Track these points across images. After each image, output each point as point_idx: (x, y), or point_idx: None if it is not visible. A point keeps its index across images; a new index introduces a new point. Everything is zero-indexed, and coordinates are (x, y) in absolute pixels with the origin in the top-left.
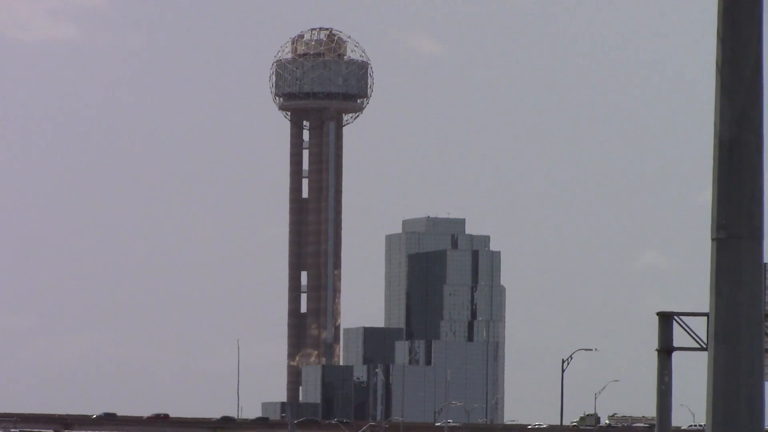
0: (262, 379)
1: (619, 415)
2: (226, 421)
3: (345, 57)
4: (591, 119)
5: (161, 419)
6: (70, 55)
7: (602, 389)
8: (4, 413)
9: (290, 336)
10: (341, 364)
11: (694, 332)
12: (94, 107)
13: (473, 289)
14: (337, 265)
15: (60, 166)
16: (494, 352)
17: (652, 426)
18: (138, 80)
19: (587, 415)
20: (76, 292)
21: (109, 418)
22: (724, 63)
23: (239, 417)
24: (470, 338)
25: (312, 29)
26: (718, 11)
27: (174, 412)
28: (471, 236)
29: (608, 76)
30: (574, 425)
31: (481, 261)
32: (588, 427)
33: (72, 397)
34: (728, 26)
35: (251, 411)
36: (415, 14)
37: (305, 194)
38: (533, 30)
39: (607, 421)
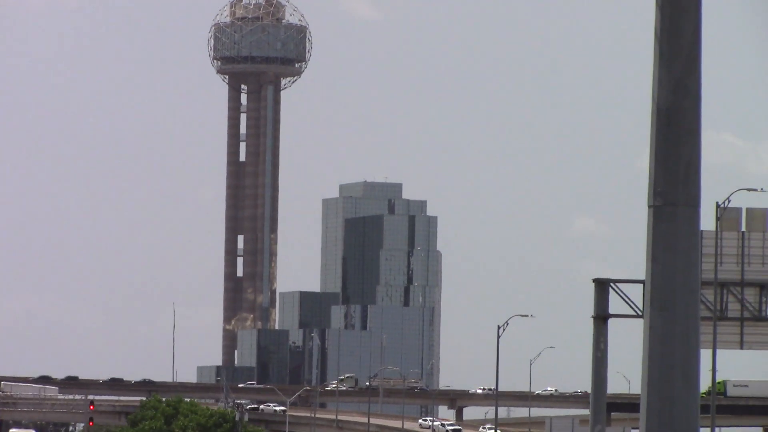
0: (198, 343)
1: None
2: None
3: (283, 21)
4: (529, 85)
5: None
6: (10, 15)
7: (538, 355)
8: None
9: (226, 300)
10: (277, 328)
11: (629, 299)
12: (31, 70)
13: (409, 254)
14: (274, 229)
15: (3, 133)
16: (430, 317)
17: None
18: (74, 42)
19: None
20: (10, 253)
21: None
22: (663, 31)
23: (174, 380)
24: (406, 303)
25: None
26: None
27: (109, 375)
28: (408, 201)
29: (545, 43)
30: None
31: (418, 226)
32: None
33: (4, 359)
34: None
35: (186, 374)
36: None
37: (242, 158)
38: None
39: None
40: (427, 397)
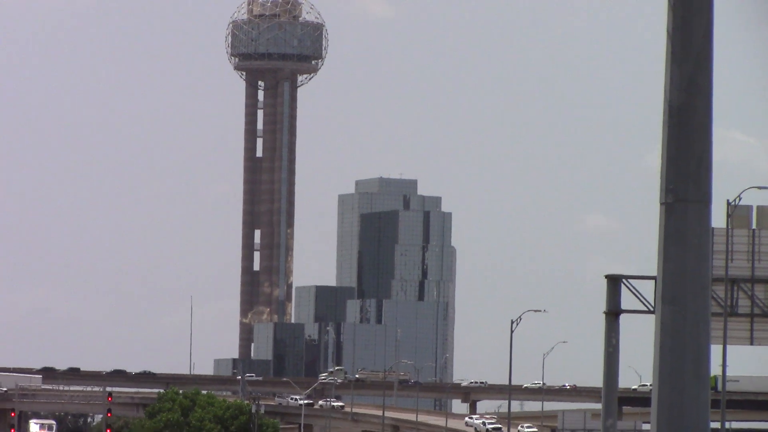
0: (215, 336)
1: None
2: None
3: (300, 18)
4: (540, 83)
5: None
6: (32, 14)
7: (551, 350)
8: None
9: (243, 293)
10: (293, 321)
11: (641, 295)
12: (56, 69)
13: (424, 249)
14: (290, 223)
15: (17, 126)
16: (444, 311)
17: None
18: (95, 38)
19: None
20: (32, 249)
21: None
22: (675, 30)
23: (191, 372)
24: (421, 298)
25: None
26: None
27: (128, 368)
28: (423, 197)
29: (557, 42)
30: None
31: (433, 222)
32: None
33: (26, 351)
34: None
35: (203, 367)
36: None
37: (259, 153)
38: None
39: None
40: (442, 390)
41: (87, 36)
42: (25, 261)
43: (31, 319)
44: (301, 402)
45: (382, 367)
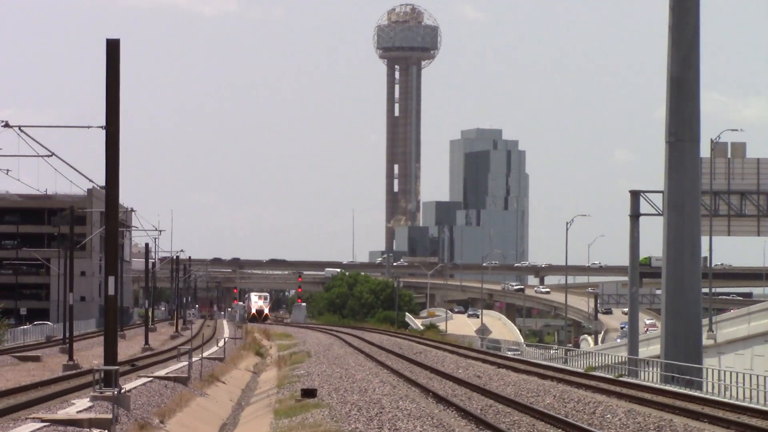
0: (369, 236)
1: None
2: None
3: (422, 23)
4: (585, 63)
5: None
6: (233, 24)
7: (593, 241)
8: (198, 258)
9: (387, 206)
10: (421, 225)
11: (654, 203)
12: (259, 68)
13: (507, 175)
14: (418, 160)
15: (227, 111)
16: (522, 217)
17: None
18: (291, 43)
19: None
20: (247, 176)
21: (273, 262)
22: (674, 25)
23: (354, 260)
24: (506, 208)
25: (401, 4)
26: None
27: (310, 259)
28: (506, 141)
29: (595, 32)
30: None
31: (513, 157)
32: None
33: (242, 247)
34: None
35: (362, 257)
36: None
37: (397, 113)
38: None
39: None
40: (521, 269)
41: (282, 40)
42: (247, 184)
43: (246, 224)
44: (516, 287)
45: (480, 256)
